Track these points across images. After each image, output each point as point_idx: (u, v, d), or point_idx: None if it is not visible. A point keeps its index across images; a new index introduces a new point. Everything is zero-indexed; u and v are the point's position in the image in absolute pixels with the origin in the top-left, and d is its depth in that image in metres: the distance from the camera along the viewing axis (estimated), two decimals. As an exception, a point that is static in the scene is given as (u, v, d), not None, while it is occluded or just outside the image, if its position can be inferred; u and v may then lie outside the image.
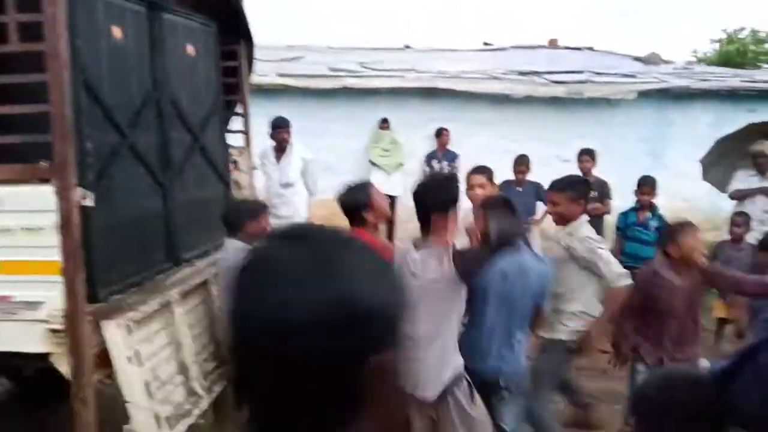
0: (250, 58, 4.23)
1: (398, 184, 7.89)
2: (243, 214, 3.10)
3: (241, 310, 0.66)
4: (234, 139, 4.19)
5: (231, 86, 4.09)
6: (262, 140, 5.37)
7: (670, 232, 3.29)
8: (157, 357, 2.79)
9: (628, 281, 3.14)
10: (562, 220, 3.31)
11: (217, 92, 3.79)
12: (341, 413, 0.65)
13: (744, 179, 5.60)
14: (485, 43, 14.31)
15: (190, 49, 3.44)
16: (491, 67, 10.10)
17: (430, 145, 8.42)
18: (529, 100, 8.83)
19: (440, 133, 8.20)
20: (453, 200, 2.61)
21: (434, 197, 2.60)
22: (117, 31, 2.73)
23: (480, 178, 3.88)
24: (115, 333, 2.52)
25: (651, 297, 3.24)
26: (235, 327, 0.67)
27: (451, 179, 2.86)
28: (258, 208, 3.18)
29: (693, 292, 3.26)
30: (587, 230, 3.27)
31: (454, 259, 2.49)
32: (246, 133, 4.23)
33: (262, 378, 0.65)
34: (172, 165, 3.18)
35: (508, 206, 2.81)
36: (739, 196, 5.55)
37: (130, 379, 2.54)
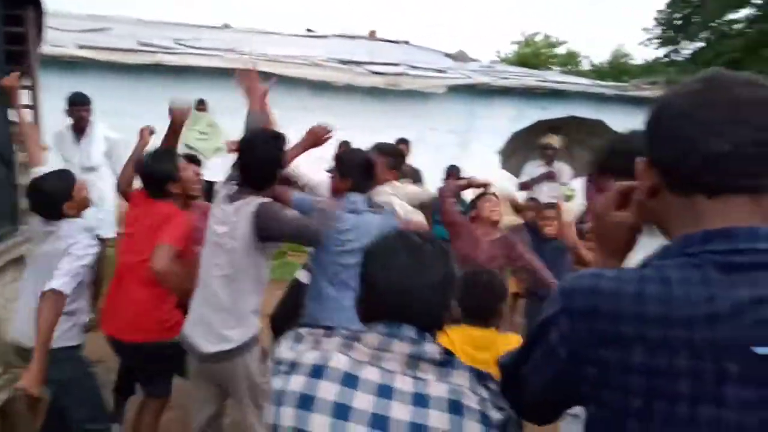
0: (39, 25, 3.76)
1: (217, 170, 7.59)
2: (61, 197, 2.66)
3: (406, 276, 1.21)
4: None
5: (16, 55, 3.60)
6: (61, 118, 4.81)
7: (473, 201, 3.84)
8: None
9: None
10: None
11: (-3, 61, 3.32)
12: (440, 323, 1.26)
13: (532, 170, 6.30)
14: (308, 30, 14.34)
15: (-40, 9, 2.96)
16: (313, 54, 10.13)
17: (251, 129, 8.22)
18: (348, 89, 9.01)
19: (261, 118, 8.04)
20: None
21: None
22: None
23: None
24: None
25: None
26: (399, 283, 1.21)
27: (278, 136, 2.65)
28: (71, 185, 2.74)
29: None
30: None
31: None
32: (34, 108, 3.76)
33: (412, 305, 1.20)
34: (-64, 142, 2.73)
35: None
36: (526, 185, 6.24)
37: None
